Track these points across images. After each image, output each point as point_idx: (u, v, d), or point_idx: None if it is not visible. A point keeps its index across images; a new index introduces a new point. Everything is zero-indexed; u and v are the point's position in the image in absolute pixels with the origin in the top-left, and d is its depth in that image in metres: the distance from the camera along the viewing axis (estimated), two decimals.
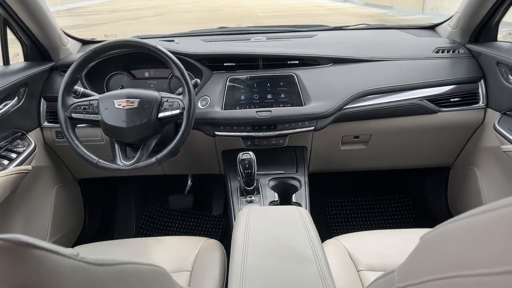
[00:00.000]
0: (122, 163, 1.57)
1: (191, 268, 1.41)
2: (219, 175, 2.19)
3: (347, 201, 2.54)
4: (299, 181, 1.75)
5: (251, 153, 1.61)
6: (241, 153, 1.62)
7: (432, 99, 1.83)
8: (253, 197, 1.62)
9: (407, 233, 1.57)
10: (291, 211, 1.24)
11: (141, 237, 2.43)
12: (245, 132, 1.74)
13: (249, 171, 1.60)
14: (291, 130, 1.75)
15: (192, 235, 2.39)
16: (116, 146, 1.62)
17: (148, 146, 1.62)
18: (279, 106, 1.74)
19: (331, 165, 2.11)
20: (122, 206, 2.54)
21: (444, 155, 2.10)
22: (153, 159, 1.55)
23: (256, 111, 1.72)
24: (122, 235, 2.46)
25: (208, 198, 2.53)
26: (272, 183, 1.75)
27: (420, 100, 1.82)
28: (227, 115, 1.72)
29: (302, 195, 1.66)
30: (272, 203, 1.63)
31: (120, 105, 1.56)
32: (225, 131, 1.75)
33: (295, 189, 1.72)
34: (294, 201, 1.63)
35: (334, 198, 2.53)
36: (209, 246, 1.59)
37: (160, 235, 2.40)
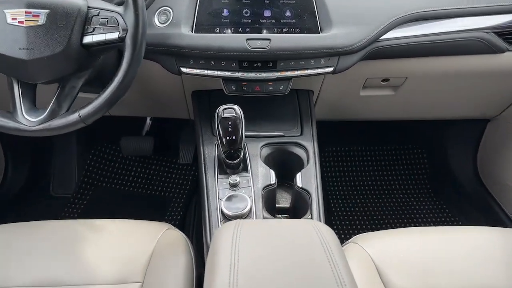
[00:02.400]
0: (25, 119, 0.96)
1: (142, 279, 1.02)
2: (188, 120, 1.60)
3: (346, 150, 2.04)
4: (305, 149, 1.19)
5: (236, 108, 1.03)
6: (221, 108, 1.04)
7: (502, 31, 1.24)
8: (237, 179, 1.06)
9: (452, 233, 1.10)
10: (306, 234, 0.71)
11: (86, 193, 1.98)
12: (228, 70, 1.14)
13: (233, 137, 1.03)
14: (299, 72, 1.15)
15: (153, 193, 1.91)
16: (16, 89, 0.99)
17: (70, 90, 1.00)
18: (282, 32, 1.12)
19: (341, 114, 1.55)
20: (59, 151, 1.94)
21: (490, 106, 1.59)
22: (76, 114, 0.94)
23: (247, 38, 1.09)
24: (61, 188, 1.90)
25: (173, 143, 1.95)
26: (265, 151, 1.19)
27: (486, 32, 1.22)
28: (200, 42, 1.09)
29: (311, 174, 1.11)
30: (267, 188, 1.08)
31: (16, 19, 0.92)
32: (196, 67, 1.13)
33: (299, 163, 1.17)
34: (300, 185, 1.09)
35: (330, 146, 2.02)
36: (170, 242, 1.08)
37: (110, 194, 1.91)
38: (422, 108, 1.57)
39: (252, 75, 1.15)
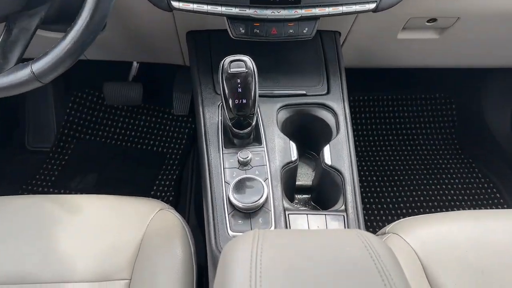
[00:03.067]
0: None
1: (129, 275, 0.85)
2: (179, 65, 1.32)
3: (365, 99, 1.78)
4: (334, 112, 0.93)
5: (248, 60, 0.77)
6: (227, 60, 0.78)
7: None
8: (249, 155, 0.81)
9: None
10: (357, 259, 0.50)
11: (67, 147, 1.68)
12: (236, 6, 0.86)
13: (243, 100, 0.77)
14: (331, 9, 0.86)
15: (144, 148, 1.63)
16: None
17: (20, 35, 0.73)
18: None
19: (371, 60, 1.28)
20: (33, 96, 1.66)
21: None
22: (28, 70, 0.68)
23: None
24: (38, 141, 1.65)
25: (165, 90, 1.67)
26: (282, 115, 0.93)
27: None
28: None
29: (342, 147, 0.87)
30: (287, 167, 0.84)
31: None
32: (192, 1, 0.84)
33: (326, 132, 0.92)
34: (328, 162, 0.85)
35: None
36: (163, 227, 0.88)
37: (94, 149, 1.62)
38: (466, 55, 1.29)
39: (268, 13, 0.86)
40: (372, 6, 0.87)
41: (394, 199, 1.53)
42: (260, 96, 0.89)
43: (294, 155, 0.85)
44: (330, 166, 0.84)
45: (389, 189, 1.56)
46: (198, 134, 0.88)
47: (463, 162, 1.65)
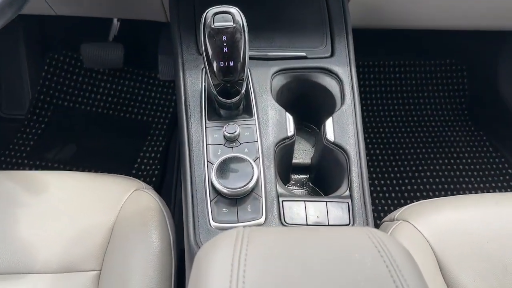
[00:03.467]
0: None
1: (99, 266, 0.75)
2: (164, 23, 1.16)
3: (370, 64, 1.63)
4: (338, 79, 0.79)
5: (235, 11, 0.63)
6: (210, 12, 0.64)
7: None
8: (236, 129, 0.68)
9: None
10: (365, 262, 0.37)
11: (44, 114, 1.50)
12: None
13: (230, 62, 0.64)
14: None
15: (127, 116, 1.47)
16: None
17: None
18: None
19: (382, 19, 1.13)
20: (4, 57, 1.51)
21: None
22: None
23: None
24: (12, 108, 1.52)
25: (150, 52, 1.52)
26: (278, 82, 0.79)
27: None
28: None
29: (348, 121, 0.73)
30: (282, 143, 0.71)
31: None
32: None
33: (328, 102, 0.79)
34: (331, 138, 0.71)
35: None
36: (139, 210, 0.76)
37: (73, 116, 1.47)
38: (489, 14, 1.14)
39: None
40: None
41: (400, 178, 1.42)
42: (251, 58, 0.75)
43: (290, 129, 0.71)
44: (333, 143, 0.71)
45: (394, 167, 1.44)
46: (178, 103, 0.75)
47: (473, 136, 1.53)
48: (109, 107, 1.53)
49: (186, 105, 0.73)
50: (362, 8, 1.05)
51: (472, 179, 1.41)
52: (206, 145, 0.68)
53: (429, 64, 1.64)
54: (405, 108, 1.59)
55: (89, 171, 1.39)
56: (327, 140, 0.71)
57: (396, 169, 1.44)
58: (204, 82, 0.76)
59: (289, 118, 0.73)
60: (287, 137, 0.71)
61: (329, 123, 0.73)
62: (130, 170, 1.39)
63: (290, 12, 0.87)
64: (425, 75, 1.63)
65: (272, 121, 0.72)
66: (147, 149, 1.44)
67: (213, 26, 0.64)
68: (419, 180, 1.41)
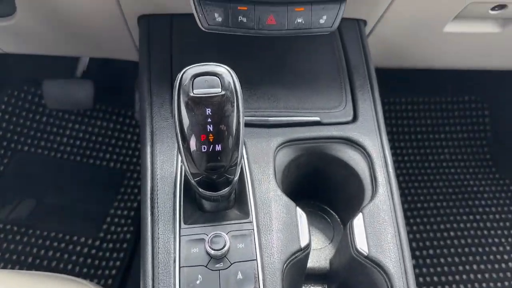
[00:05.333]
0: None
1: None
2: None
3: (386, 102, 1.43)
4: (366, 154, 0.58)
5: (224, 72, 0.41)
6: (189, 72, 0.41)
7: None
8: (225, 240, 0.46)
9: None
10: None
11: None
12: None
13: (218, 146, 0.43)
14: None
15: (97, 163, 1.19)
16: None
17: None
18: None
19: (404, 59, 0.94)
20: None
21: None
22: None
23: None
24: None
25: (124, 89, 1.31)
26: (284, 156, 0.58)
27: None
28: None
29: (385, 222, 0.52)
30: (293, 259, 0.49)
31: None
32: None
33: (354, 187, 0.57)
34: (364, 251, 0.50)
35: None
36: None
37: (33, 164, 1.22)
38: None
39: None
40: None
41: (417, 234, 1.21)
42: (247, 125, 0.54)
43: (304, 236, 0.50)
44: (367, 257, 0.50)
45: (412, 225, 1.23)
46: (142, 194, 0.53)
47: (499, 185, 1.33)
48: (76, 153, 1.30)
49: (152, 199, 0.51)
50: (382, 46, 0.86)
51: (503, 239, 1.21)
52: (179, 267, 0.46)
53: (446, 101, 1.45)
54: (420, 152, 1.39)
55: (49, 233, 1.16)
56: (358, 252, 0.50)
57: (409, 227, 1.23)
58: (181, 162, 0.55)
59: (302, 218, 0.51)
60: (300, 249, 0.49)
61: (358, 224, 0.51)
62: (98, 231, 1.16)
63: (296, 59, 0.67)
64: (441, 114, 1.44)
65: (277, 224, 0.50)
66: (119, 205, 1.21)
67: (192, 94, 0.43)
68: (438, 233, 1.20)
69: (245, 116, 0.51)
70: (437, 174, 1.35)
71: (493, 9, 0.76)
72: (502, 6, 0.75)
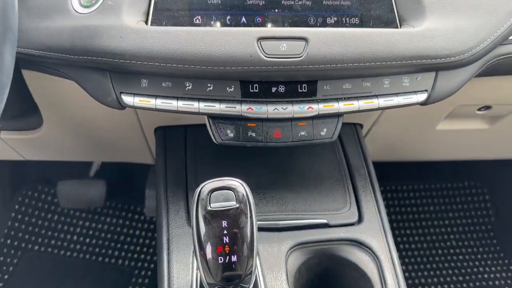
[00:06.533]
0: None
1: None
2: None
3: (383, 190, 1.46)
4: (372, 254, 0.61)
5: (238, 186, 0.46)
6: (207, 187, 0.46)
7: None
8: None
9: None
10: None
11: (10, 261, 1.24)
12: (220, 100, 0.57)
13: (234, 257, 0.46)
14: (361, 102, 0.58)
15: (107, 261, 1.21)
16: None
17: None
18: (326, 24, 0.56)
19: (400, 154, 1.00)
20: None
21: None
22: None
23: (259, 37, 0.53)
24: None
25: (135, 186, 1.36)
26: (295, 261, 0.61)
27: None
28: (161, 44, 0.54)
29: None
30: None
31: None
32: (153, 94, 0.54)
33: (363, 284, 0.60)
34: None
35: None
36: None
37: (45, 262, 1.22)
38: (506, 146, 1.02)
39: (269, 110, 0.58)
40: (421, 97, 0.60)
41: None
42: (258, 229, 0.58)
43: None
44: None
45: None
46: None
47: (509, 271, 1.32)
48: (86, 251, 1.31)
49: None
50: (379, 143, 0.93)
51: None
52: None
53: (446, 187, 1.49)
54: (426, 239, 1.40)
55: None
56: None
57: None
58: (197, 269, 0.57)
59: None
60: None
61: None
62: None
63: (302, 163, 0.72)
64: (443, 200, 1.47)
65: None
66: None
67: (209, 208, 0.48)
68: None
69: (257, 221, 0.55)
70: (445, 261, 1.35)
71: (479, 109, 0.84)
72: (487, 107, 0.83)
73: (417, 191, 1.48)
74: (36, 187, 1.40)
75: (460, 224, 1.44)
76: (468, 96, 0.75)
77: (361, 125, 0.83)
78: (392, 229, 1.38)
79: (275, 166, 0.71)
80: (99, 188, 1.30)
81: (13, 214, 1.35)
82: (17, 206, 1.37)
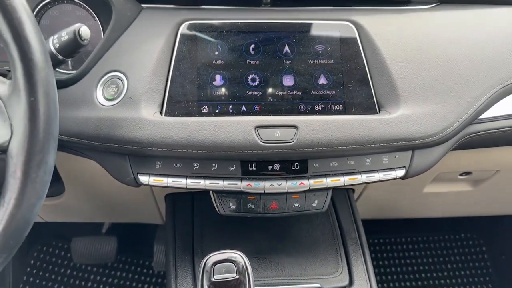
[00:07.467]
0: None
1: None
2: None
3: (382, 242, 1.52)
4: None
5: (238, 258, 0.54)
6: (211, 260, 0.53)
7: None
8: None
9: None
10: None
11: None
12: (223, 178, 0.66)
13: None
14: (346, 178, 0.66)
15: None
16: None
17: None
18: (314, 112, 0.65)
19: (391, 213, 1.07)
20: None
21: None
22: None
23: (256, 126, 0.62)
24: None
25: (144, 242, 1.43)
26: None
27: None
28: (174, 133, 0.63)
29: None
30: None
31: None
32: (166, 174, 0.63)
33: None
34: None
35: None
36: None
37: None
38: (504, 204, 1.08)
39: (265, 185, 0.66)
40: (400, 173, 0.68)
41: None
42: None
43: None
44: None
45: None
46: None
47: None
48: None
49: None
50: (371, 204, 1.00)
51: None
52: None
53: (444, 239, 1.54)
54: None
55: None
56: None
57: None
58: None
59: None
60: None
61: None
62: None
63: (298, 228, 0.80)
64: (441, 252, 1.51)
65: None
66: None
67: (213, 279, 0.55)
68: None
69: (256, 286, 0.62)
70: None
71: (461, 175, 0.92)
72: (467, 173, 0.90)
73: (416, 243, 1.53)
74: (50, 243, 1.47)
75: (459, 275, 1.47)
76: (447, 165, 0.83)
77: (353, 190, 0.90)
78: (388, 282, 1.43)
79: (273, 232, 0.78)
80: (110, 244, 1.36)
81: (28, 269, 1.42)
82: (32, 261, 1.43)
